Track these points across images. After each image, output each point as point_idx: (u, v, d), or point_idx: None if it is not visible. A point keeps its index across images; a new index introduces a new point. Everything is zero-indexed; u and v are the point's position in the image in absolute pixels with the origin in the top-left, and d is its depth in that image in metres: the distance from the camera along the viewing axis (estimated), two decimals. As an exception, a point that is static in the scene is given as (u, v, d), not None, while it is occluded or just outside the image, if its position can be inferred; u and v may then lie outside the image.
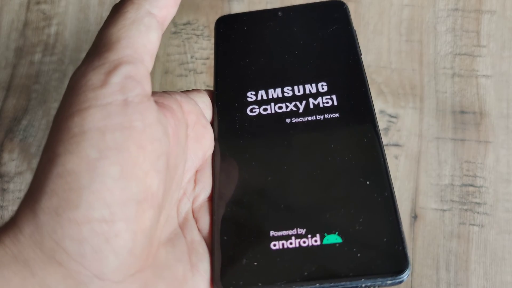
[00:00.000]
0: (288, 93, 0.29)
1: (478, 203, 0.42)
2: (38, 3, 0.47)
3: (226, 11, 0.46)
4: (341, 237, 0.22)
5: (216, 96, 0.28)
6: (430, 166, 0.43)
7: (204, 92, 0.27)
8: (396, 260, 0.21)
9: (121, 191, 0.18)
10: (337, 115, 0.28)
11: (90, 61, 0.20)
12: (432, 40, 0.45)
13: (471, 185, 0.43)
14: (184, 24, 0.46)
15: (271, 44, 0.32)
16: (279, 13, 0.33)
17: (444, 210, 0.42)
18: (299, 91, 0.28)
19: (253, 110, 0.28)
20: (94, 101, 0.19)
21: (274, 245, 0.22)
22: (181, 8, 0.47)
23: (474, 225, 0.42)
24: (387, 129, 0.44)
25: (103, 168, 0.18)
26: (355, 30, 0.31)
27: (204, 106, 0.26)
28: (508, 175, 0.43)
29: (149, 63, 0.21)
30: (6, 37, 0.47)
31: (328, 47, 0.31)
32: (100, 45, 0.20)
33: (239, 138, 0.27)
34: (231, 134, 0.27)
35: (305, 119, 0.28)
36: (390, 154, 0.43)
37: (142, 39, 0.21)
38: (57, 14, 0.47)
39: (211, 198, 0.24)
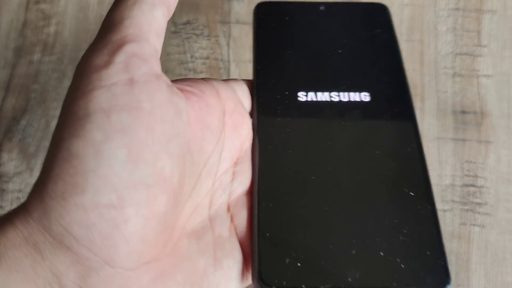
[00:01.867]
0: (334, 98, 0.28)
1: (479, 203, 0.42)
2: (37, 2, 0.47)
3: (226, 11, 0.46)
4: (385, 247, 0.22)
5: (257, 85, 0.27)
6: (431, 166, 0.43)
7: (242, 81, 0.26)
8: (438, 274, 0.22)
9: (129, 174, 0.17)
10: (382, 124, 0.27)
11: (93, 44, 0.19)
12: (432, 40, 0.45)
13: (472, 185, 0.43)
14: (184, 24, 0.46)
15: (316, 41, 0.31)
16: (321, 7, 0.32)
17: (445, 210, 0.42)
18: (344, 97, 0.28)
19: (298, 104, 0.27)
20: (98, 82, 0.18)
21: (319, 247, 0.22)
22: (181, 8, 0.46)
23: (475, 225, 0.42)
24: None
25: (109, 151, 0.17)
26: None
27: (242, 95, 0.25)
28: (509, 175, 0.43)
29: (155, 41, 0.20)
30: (5, 36, 0.46)
31: (374, 52, 0.30)
32: (103, 28, 0.20)
33: (282, 131, 0.26)
34: (273, 125, 0.26)
35: (351, 123, 0.27)
36: (390, 154, 0.43)
37: (146, 18, 0.20)
38: (57, 13, 0.47)
39: (250, 192, 0.23)
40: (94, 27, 0.46)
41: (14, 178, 0.43)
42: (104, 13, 0.46)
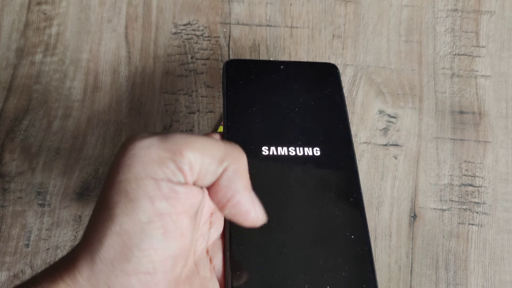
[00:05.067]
0: (291, 152, 0.34)
1: (477, 203, 0.42)
2: (39, 3, 0.47)
3: (226, 12, 0.46)
4: (331, 282, 0.28)
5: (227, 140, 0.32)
6: (429, 166, 0.43)
7: (218, 134, 0.31)
8: None
9: (163, 250, 0.23)
10: (330, 175, 0.33)
11: (159, 138, 0.24)
12: (431, 41, 0.46)
13: (470, 185, 0.43)
14: (185, 25, 0.47)
15: (277, 98, 0.36)
16: (282, 66, 0.38)
17: (443, 210, 0.42)
18: (300, 152, 0.34)
19: (262, 157, 0.33)
20: (151, 174, 0.23)
21: (279, 283, 0.27)
22: (182, 9, 0.47)
23: (473, 224, 0.42)
24: (386, 129, 0.44)
25: (150, 231, 0.22)
26: (344, 95, 0.37)
27: None
28: (507, 175, 0.43)
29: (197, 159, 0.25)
30: (7, 37, 0.47)
31: (326, 111, 0.36)
32: (167, 135, 0.25)
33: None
34: None
35: (304, 174, 0.33)
36: (389, 154, 0.43)
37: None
38: (58, 14, 0.47)
39: (223, 236, 0.28)
40: (95, 28, 0.47)
41: (16, 178, 0.44)
42: (105, 14, 0.47)
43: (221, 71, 0.45)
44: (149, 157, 0.23)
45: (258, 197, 0.28)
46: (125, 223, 0.22)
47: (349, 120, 0.36)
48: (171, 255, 0.23)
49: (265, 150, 0.34)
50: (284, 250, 0.29)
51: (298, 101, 0.36)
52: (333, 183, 0.33)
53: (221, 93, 0.39)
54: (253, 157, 0.33)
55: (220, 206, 0.25)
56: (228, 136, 0.32)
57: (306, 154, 0.34)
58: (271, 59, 0.39)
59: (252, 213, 0.25)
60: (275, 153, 0.33)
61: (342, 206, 0.32)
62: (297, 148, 0.34)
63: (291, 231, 0.29)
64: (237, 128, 0.34)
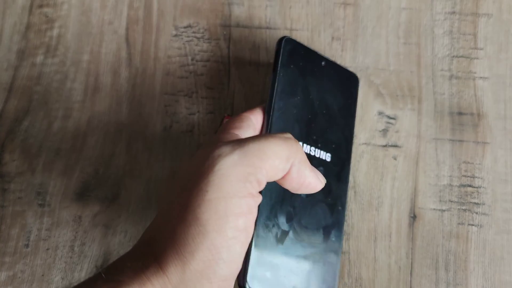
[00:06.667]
0: (312, 153, 0.38)
1: (477, 204, 0.43)
2: (40, 6, 0.48)
3: (226, 15, 0.47)
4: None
5: (268, 120, 0.37)
6: (428, 166, 0.43)
7: (260, 109, 0.37)
8: None
9: (239, 259, 0.27)
10: (329, 182, 0.38)
11: (240, 156, 0.27)
12: (429, 43, 0.46)
13: (470, 186, 0.43)
14: (185, 27, 0.47)
15: (312, 94, 0.39)
16: (323, 63, 0.41)
17: (443, 210, 0.42)
18: (317, 154, 0.39)
19: None
20: (238, 193, 0.26)
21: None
22: (182, 12, 0.47)
23: (472, 225, 0.42)
24: (385, 130, 0.44)
25: (233, 245, 0.26)
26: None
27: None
28: (506, 176, 0.43)
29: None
30: (9, 39, 0.47)
31: (343, 118, 0.41)
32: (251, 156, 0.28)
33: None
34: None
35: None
36: (388, 155, 0.44)
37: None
38: (60, 17, 0.47)
39: None
40: (96, 31, 0.47)
41: (15, 178, 0.44)
42: (106, 17, 0.47)
43: (221, 72, 0.46)
44: (235, 176, 0.26)
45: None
46: (215, 239, 0.25)
47: (354, 132, 0.42)
48: (240, 260, 0.27)
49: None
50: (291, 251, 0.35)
51: (328, 104, 0.40)
52: (330, 190, 0.38)
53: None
54: None
55: (294, 189, 0.30)
56: (272, 117, 0.36)
57: (320, 157, 0.39)
58: (317, 51, 0.41)
59: (319, 185, 0.31)
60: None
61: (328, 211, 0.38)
62: (316, 150, 0.38)
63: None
64: (281, 114, 0.37)
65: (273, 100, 0.37)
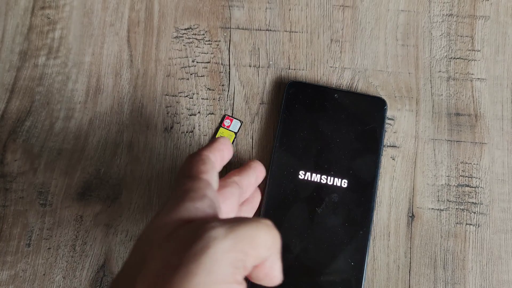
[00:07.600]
0: (323, 180, 0.41)
1: (474, 203, 0.43)
2: (42, 8, 0.48)
3: (226, 17, 0.47)
4: None
5: (272, 161, 0.42)
6: (426, 167, 0.44)
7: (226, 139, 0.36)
8: None
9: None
10: (347, 208, 0.41)
11: (234, 241, 0.27)
12: (427, 45, 0.46)
13: (467, 186, 0.43)
14: (186, 29, 0.47)
15: (323, 129, 0.42)
16: (336, 95, 0.43)
17: (441, 210, 0.43)
18: (330, 181, 0.41)
19: (298, 180, 0.41)
20: (226, 279, 0.26)
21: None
22: (183, 14, 0.48)
23: (470, 224, 0.43)
24: (384, 131, 0.45)
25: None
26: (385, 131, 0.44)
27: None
28: (503, 176, 0.44)
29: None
30: (11, 40, 0.47)
31: (363, 144, 0.42)
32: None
33: (284, 196, 0.41)
34: (278, 193, 0.42)
35: (330, 202, 0.41)
36: (387, 155, 0.44)
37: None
38: (61, 18, 0.48)
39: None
40: (97, 32, 0.48)
41: (17, 178, 0.44)
42: (108, 19, 0.48)
43: (221, 73, 0.46)
44: (226, 261, 0.26)
45: (282, 211, 0.41)
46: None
47: (381, 154, 0.42)
48: None
49: (301, 174, 0.41)
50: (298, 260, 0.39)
51: (342, 132, 0.42)
52: (348, 215, 0.40)
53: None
54: (290, 178, 0.41)
55: (257, 279, 0.29)
56: (274, 157, 0.41)
57: (334, 184, 0.41)
58: (327, 86, 0.44)
59: (280, 279, 0.29)
60: (309, 178, 0.41)
61: (350, 236, 0.40)
62: (329, 178, 0.41)
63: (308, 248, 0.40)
64: (284, 150, 0.42)
65: (276, 140, 0.41)
